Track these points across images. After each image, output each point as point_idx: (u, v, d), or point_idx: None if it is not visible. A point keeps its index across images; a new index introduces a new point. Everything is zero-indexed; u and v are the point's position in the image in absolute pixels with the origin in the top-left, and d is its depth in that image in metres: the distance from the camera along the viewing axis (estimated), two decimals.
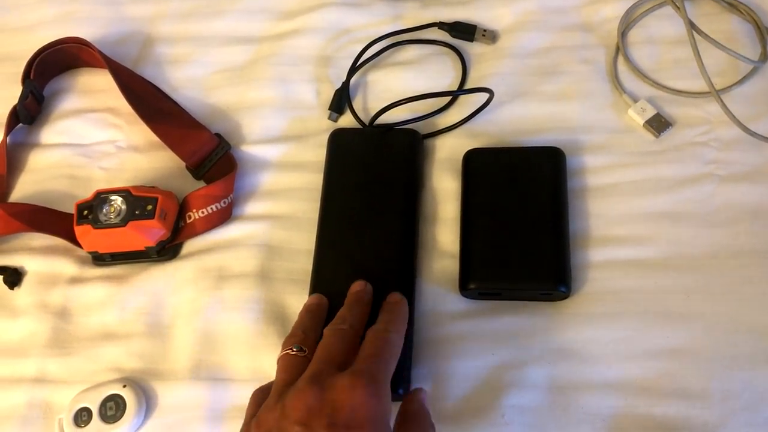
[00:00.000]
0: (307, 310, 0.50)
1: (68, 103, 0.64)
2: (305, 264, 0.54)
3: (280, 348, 0.51)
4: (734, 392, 0.47)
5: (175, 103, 0.61)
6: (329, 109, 0.60)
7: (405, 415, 0.45)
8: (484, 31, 0.62)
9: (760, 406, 0.46)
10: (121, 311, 0.54)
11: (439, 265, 0.54)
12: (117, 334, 0.53)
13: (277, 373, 0.45)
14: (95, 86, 0.64)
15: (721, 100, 0.54)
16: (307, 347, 0.45)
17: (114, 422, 0.49)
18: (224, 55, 0.65)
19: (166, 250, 0.55)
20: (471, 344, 0.50)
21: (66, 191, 0.59)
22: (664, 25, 0.61)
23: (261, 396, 0.45)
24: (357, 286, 0.51)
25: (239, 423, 0.49)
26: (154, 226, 0.54)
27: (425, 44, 0.63)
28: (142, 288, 0.55)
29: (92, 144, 0.62)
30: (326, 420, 0.39)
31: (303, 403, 0.40)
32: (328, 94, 0.61)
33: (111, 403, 0.50)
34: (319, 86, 0.62)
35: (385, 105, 0.57)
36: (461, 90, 0.60)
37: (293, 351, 0.45)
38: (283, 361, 0.45)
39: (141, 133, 0.61)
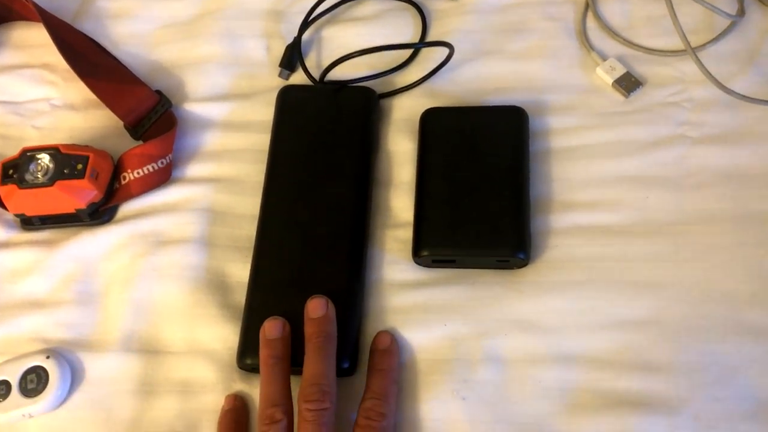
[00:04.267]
0: (270, 368, 0.43)
1: (1, 58, 0.60)
2: (249, 230, 0.50)
3: (217, 319, 0.48)
4: (702, 365, 0.44)
5: (114, 58, 0.57)
6: (280, 66, 0.57)
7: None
8: None
9: (728, 381, 0.43)
10: (49, 278, 0.50)
11: (392, 231, 0.50)
12: (44, 302, 0.50)
13: None
14: (30, 41, 0.60)
15: (697, 57, 0.51)
16: (286, 428, 0.41)
17: (35, 396, 0.45)
18: (169, 9, 0.60)
19: (100, 214, 0.51)
20: (423, 315, 0.47)
21: None
22: None
23: None
24: (317, 309, 0.45)
25: (171, 398, 0.46)
26: (85, 186, 0.50)
27: None
28: (72, 254, 0.51)
29: (25, 102, 0.58)
30: None
31: None
32: (280, 51, 0.57)
33: (32, 376, 0.46)
34: (269, 42, 0.58)
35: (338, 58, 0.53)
36: (420, 43, 0.56)
37: None
38: None
39: (78, 90, 0.56)
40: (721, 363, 0.44)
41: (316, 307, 0.45)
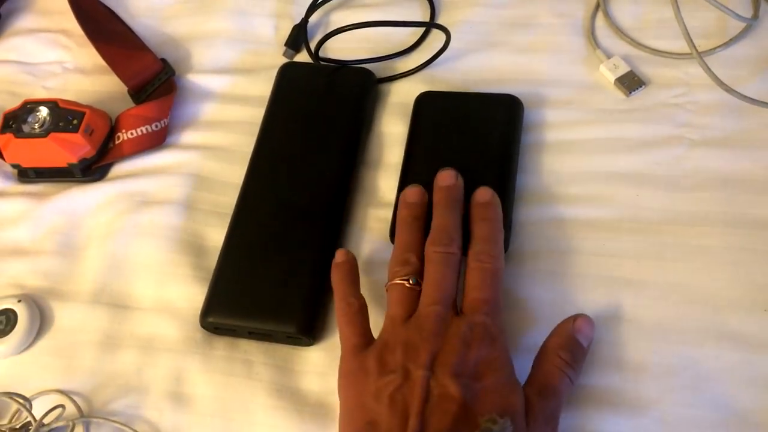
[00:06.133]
0: (408, 224, 0.45)
1: (24, 22, 0.62)
2: (233, 198, 0.50)
3: (188, 279, 0.48)
4: (675, 369, 0.41)
5: (125, 25, 0.59)
6: (285, 45, 0.57)
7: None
8: None
9: (702, 387, 0.40)
10: (35, 228, 0.51)
11: (375, 211, 0.50)
12: (26, 250, 0.50)
13: (390, 304, 0.42)
14: (52, 8, 0.62)
15: (702, 59, 0.49)
16: (420, 277, 0.42)
17: (2, 337, 0.46)
18: None
19: (92, 171, 0.52)
20: None
21: (4, 107, 0.57)
22: None
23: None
24: (447, 179, 0.46)
25: (132, 352, 0.46)
26: (77, 141, 0.51)
27: None
28: (60, 206, 0.52)
29: (40, 63, 0.60)
30: (451, 370, 0.38)
31: (427, 351, 0.39)
32: (287, 31, 0.58)
33: (2, 317, 0.46)
34: (279, 22, 0.59)
35: (340, 41, 0.53)
36: (414, 22, 0.55)
37: (409, 284, 0.42)
38: (396, 293, 0.42)
39: (90, 56, 0.58)
40: (695, 368, 0.41)
41: (446, 177, 0.46)
